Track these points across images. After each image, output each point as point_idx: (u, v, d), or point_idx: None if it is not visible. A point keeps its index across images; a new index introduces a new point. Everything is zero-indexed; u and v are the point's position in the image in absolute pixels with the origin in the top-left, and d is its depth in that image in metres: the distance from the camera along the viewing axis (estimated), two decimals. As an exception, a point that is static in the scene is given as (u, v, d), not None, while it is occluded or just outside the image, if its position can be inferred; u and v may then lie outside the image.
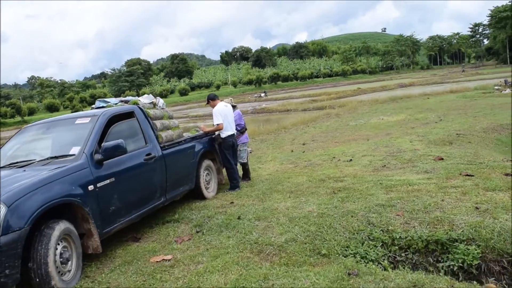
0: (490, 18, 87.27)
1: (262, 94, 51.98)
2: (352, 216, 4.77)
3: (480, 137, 10.67)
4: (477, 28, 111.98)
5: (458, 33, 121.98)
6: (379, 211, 4.85)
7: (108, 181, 4.39)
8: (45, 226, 3.72)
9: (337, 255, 3.98)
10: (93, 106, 5.89)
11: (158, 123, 5.58)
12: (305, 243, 4.22)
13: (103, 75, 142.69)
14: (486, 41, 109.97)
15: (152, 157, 5.19)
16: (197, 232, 4.97)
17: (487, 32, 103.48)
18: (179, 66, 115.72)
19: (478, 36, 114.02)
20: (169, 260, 4.21)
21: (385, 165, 7.60)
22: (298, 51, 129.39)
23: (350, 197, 5.53)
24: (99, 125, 4.67)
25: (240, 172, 7.66)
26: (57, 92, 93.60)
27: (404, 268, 3.88)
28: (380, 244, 4.21)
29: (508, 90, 21.89)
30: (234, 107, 7.63)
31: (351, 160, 8.39)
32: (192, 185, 6.16)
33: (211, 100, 7.13)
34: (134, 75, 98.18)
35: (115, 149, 4.38)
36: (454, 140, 10.09)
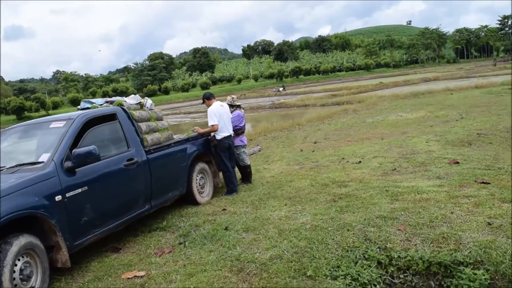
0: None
1: (281, 89, 51.36)
2: (348, 230, 4.32)
3: (502, 138, 9.97)
4: (506, 20, 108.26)
5: (486, 26, 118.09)
6: (379, 225, 4.39)
7: (79, 190, 4.07)
8: (2, 241, 3.41)
9: (325, 277, 3.54)
10: (78, 107, 5.59)
11: (143, 126, 5.22)
12: (291, 261, 3.80)
13: (126, 69, 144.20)
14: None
15: (134, 162, 4.84)
16: (180, 243, 4.61)
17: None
18: (201, 60, 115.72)
19: (507, 29, 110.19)
20: (141, 277, 3.86)
21: (395, 169, 7.09)
22: (320, 45, 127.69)
23: (350, 207, 5.07)
24: (73, 130, 4.34)
25: (239, 175, 7.28)
26: (81, 86, 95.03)
27: (400, 294, 3.43)
28: (375, 264, 3.76)
29: (537, 86, 20.78)
30: (238, 106, 7.22)
31: (360, 162, 7.89)
32: (183, 190, 5.80)
33: (206, 99, 6.74)
34: (157, 69, 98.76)
35: (86, 156, 4.05)
36: (474, 140, 9.45)
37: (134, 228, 5.36)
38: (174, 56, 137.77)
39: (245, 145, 7.25)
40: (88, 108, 5.41)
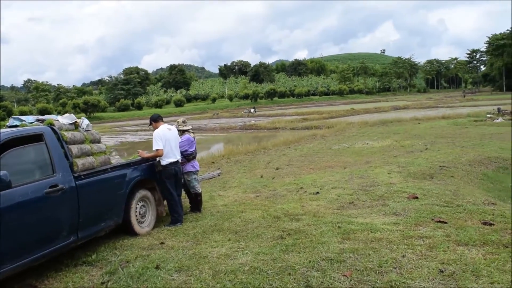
0: (487, 45, 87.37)
1: (252, 110, 51.41)
2: (289, 274, 3.91)
3: (464, 171, 9.88)
4: (474, 54, 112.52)
5: (456, 58, 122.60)
6: (324, 268, 4.00)
7: (-17, 220, 3.53)
8: None
9: (254, 333, 3.11)
10: (6, 124, 5.06)
11: (75, 148, 4.71)
12: (220, 312, 3.35)
13: (100, 82, 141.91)
14: (483, 68, 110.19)
15: (58, 189, 4.32)
16: (102, 283, 4.09)
17: (484, 59, 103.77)
18: (177, 77, 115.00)
19: (475, 62, 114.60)
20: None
21: (352, 202, 6.78)
22: (296, 68, 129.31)
23: (297, 245, 4.67)
24: (-14, 151, 3.82)
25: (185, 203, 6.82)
26: (53, 97, 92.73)
27: None
28: (314, 318, 3.35)
29: (500, 119, 21.22)
30: (186, 131, 6.78)
31: (317, 193, 7.55)
32: (119, 220, 5.28)
33: (154, 121, 6.28)
34: (131, 84, 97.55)
35: (-7, 182, 3.53)
36: (436, 173, 9.30)
37: (60, 261, 4.80)
38: (150, 71, 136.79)
39: (197, 171, 6.80)
40: (16, 126, 4.89)
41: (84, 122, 5.18)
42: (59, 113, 69.42)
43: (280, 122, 31.10)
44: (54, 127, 4.75)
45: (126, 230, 5.52)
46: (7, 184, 3.66)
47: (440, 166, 9.92)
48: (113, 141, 27.63)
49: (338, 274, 3.87)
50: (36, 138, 4.43)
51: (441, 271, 3.83)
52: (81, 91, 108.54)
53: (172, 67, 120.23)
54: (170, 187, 5.96)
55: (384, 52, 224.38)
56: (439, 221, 5.41)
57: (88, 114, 66.89)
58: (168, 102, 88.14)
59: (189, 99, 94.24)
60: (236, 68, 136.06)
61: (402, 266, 3.99)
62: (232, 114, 53.71)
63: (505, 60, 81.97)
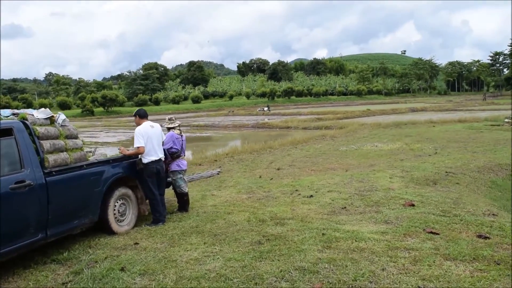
0: (511, 48, 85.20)
1: (265, 108, 51.14)
2: (256, 284, 3.68)
3: (472, 178, 9.47)
4: (497, 57, 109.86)
5: (478, 61, 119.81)
6: (294, 279, 3.76)
7: None
8: None
9: None
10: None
11: (47, 144, 4.55)
12: (173, 323, 3.15)
13: (120, 77, 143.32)
14: (506, 71, 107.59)
15: (25, 185, 4.18)
16: (63, 283, 3.93)
17: (507, 61, 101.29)
18: (196, 74, 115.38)
19: (498, 65, 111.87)
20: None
21: (345, 207, 6.49)
22: (315, 67, 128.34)
23: (273, 252, 4.43)
24: None
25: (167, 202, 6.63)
26: (73, 90, 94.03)
27: None
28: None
29: (518, 124, 20.48)
30: (172, 128, 6.57)
31: (311, 196, 7.28)
32: (94, 218, 5.12)
33: (138, 116, 6.09)
34: (150, 79, 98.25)
35: None
36: (440, 179, 8.93)
37: (31, 258, 4.67)
38: (170, 67, 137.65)
39: (183, 170, 6.59)
40: (-7, 118, 4.76)
41: (60, 117, 5.03)
42: (78, 106, 70.47)
43: (293, 121, 30.75)
44: (26, 121, 4.60)
45: (103, 228, 5.37)
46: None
47: (447, 172, 9.53)
48: (126, 135, 27.74)
49: (308, 286, 3.62)
50: (4, 132, 4.29)
51: (420, 288, 3.56)
52: (101, 85, 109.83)
53: (191, 64, 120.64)
54: (152, 185, 5.78)
55: (404, 53, 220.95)
56: (431, 232, 5.10)
57: (106, 108, 67.65)
58: (185, 98, 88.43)
59: (206, 96, 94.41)
60: (255, 66, 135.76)
61: (379, 281, 3.72)
62: (247, 111, 53.57)
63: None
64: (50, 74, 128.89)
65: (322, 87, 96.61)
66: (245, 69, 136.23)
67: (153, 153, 5.80)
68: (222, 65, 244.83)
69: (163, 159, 6.03)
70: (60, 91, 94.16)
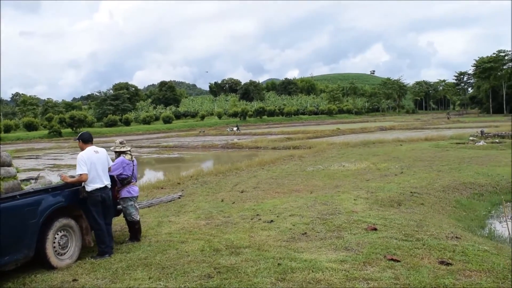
0: (475, 68, 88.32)
1: (235, 128, 51.07)
2: (198, 327, 3.33)
3: (437, 198, 9.40)
4: (462, 76, 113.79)
5: (444, 80, 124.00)
6: (241, 320, 3.42)
7: None
8: None
9: None
10: None
11: (-30, 172, 4.13)
12: None
13: (90, 97, 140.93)
14: (470, 90, 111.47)
15: None
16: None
17: (471, 81, 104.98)
18: (167, 94, 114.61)
19: (463, 84, 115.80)
20: None
21: (305, 232, 6.22)
22: (286, 87, 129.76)
23: (220, 287, 4.08)
24: None
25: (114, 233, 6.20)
26: (41, 111, 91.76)
27: None
28: None
29: (482, 142, 20.90)
30: (122, 152, 6.18)
31: (272, 221, 6.98)
32: (29, 253, 4.65)
33: (82, 140, 5.67)
34: (120, 99, 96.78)
35: None
36: (405, 200, 8.80)
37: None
38: (142, 87, 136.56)
39: (134, 197, 6.19)
40: None
41: (-10, 142, 4.59)
42: (45, 127, 68.56)
43: (263, 141, 30.56)
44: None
45: (41, 263, 4.90)
46: None
47: (411, 192, 9.44)
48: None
49: (255, 328, 3.29)
50: None
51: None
52: (70, 105, 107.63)
53: (162, 84, 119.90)
54: (97, 215, 5.35)
55: (373, 73, 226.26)
56: (392, 259, 4.87)
57: (74, 129, 65.98)
58: (157, 119, 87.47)
59: (178, 116, 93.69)
60: (227, 86, 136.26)
61: (333, 318, 3.43)
62: (218, 131, 53.22)
63: (492, 83, 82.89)
64: (17, 94, 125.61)
65: (293, 106, 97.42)
66: (217, 89, 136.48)
67: (98, 180, 5.39)
68: (194, 85, 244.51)
69: (109, 186, 5.61)
70: (27, 111, 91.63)
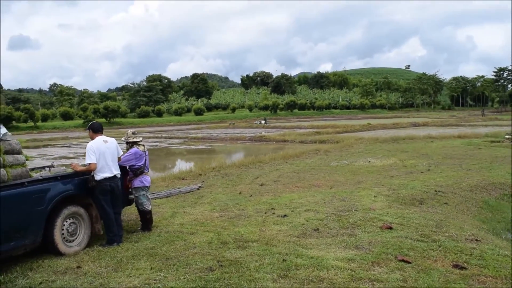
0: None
1: (262, 121, 50.85)
2: (190, 321, 3.27)
3: (462, 197, 9.02)
4: (501, 72, 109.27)
5: (482, 76, 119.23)
6: (235, 316, 3.34)
7: None
8: None
9: None
10: None
11: (-22, 158, 4.20)
12: None
13: (124, 88, 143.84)
14: (510, 87, 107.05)
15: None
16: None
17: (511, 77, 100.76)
18: (199, 86, 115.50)
19: (502, 80, 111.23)
20: None
21: (318, 229, 6.07)
22: (318, 81, 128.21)
23: (220, 281, 4.02)
24: None
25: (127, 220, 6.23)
26: (77, 101, 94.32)
27: None
28: None
29: (518, 141, 19.96)
30: (135, 143, 6.20)
31: (285, 216, 6.87)
32: (37, 239, 4.73)
33: (92, 130, 5.71)
34: (153, 91, 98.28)
35: None
36: (428, 198, 8.48)
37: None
38: (175, 79, 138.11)
39: (146, 186, 6.21)
40: None
41: (1, 130, 4.67)
42: (80, 116, 70.55)
43: (291, 134, 30.32)
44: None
45: (49, 249, 4.97)
46: None
47: (436, 191, 9.08)
48: (123, 146, 27.43)
49: (248, 325, 3.20)
50: None
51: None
52: (105, 96, 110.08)
53: (194, 76, 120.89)
54: (105, 204, 5.39)
55: (408, 68, 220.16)
56: (402, 260, 4.67)
57: (108, 119, 67.59)
58: (188, 110, 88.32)
59: (209, 108, 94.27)
60: (258, 78, 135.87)
61: (330, 318, 3.30)
62: (248, 124, 53.31)
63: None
64: (55, 84, 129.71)
65: (325, 100, 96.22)
66: (248, 82, 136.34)
67: (107, 170, 5.42)
68: (226, 78, 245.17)
69: (118, 176, 5.63)
70: (63, 101, 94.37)
